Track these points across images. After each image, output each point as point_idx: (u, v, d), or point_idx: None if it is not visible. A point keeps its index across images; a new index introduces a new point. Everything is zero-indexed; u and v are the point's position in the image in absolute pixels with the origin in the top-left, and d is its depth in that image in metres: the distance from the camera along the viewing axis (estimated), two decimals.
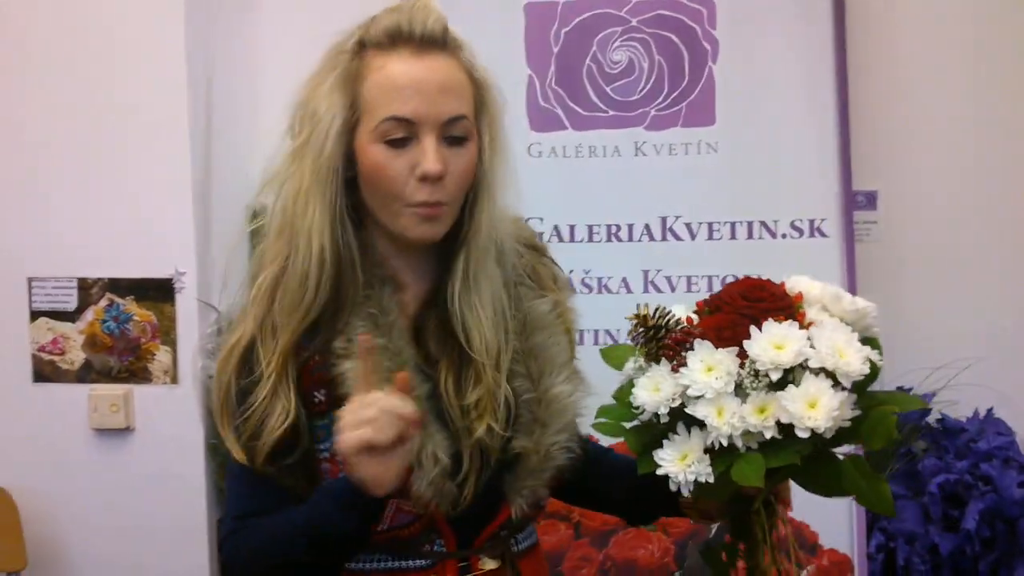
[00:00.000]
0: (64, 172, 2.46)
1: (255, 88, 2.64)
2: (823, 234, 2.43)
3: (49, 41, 2.44)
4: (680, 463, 1.10)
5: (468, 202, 1.25)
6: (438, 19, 1.21)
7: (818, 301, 1.16)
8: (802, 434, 1.06)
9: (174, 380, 2.47)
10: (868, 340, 1.14)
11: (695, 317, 1.18)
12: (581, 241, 2.46)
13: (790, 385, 1.08)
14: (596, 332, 2.38)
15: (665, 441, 1.12)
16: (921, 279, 2.67)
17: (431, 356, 1.25)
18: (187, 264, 2.45)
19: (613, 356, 1.24)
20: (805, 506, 2.33)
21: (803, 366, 1.09)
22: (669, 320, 1.15)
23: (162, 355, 2.47)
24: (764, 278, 1.18)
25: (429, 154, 1.18)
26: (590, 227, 2.46)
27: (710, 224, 2.44)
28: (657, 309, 1.16)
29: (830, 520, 2.34)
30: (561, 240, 2.44)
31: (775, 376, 1.08)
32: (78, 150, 2.45)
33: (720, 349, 1.10)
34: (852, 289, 2.40)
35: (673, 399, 1.10)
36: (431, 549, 1.24)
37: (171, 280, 2.46)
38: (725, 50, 2.45)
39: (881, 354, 1.14)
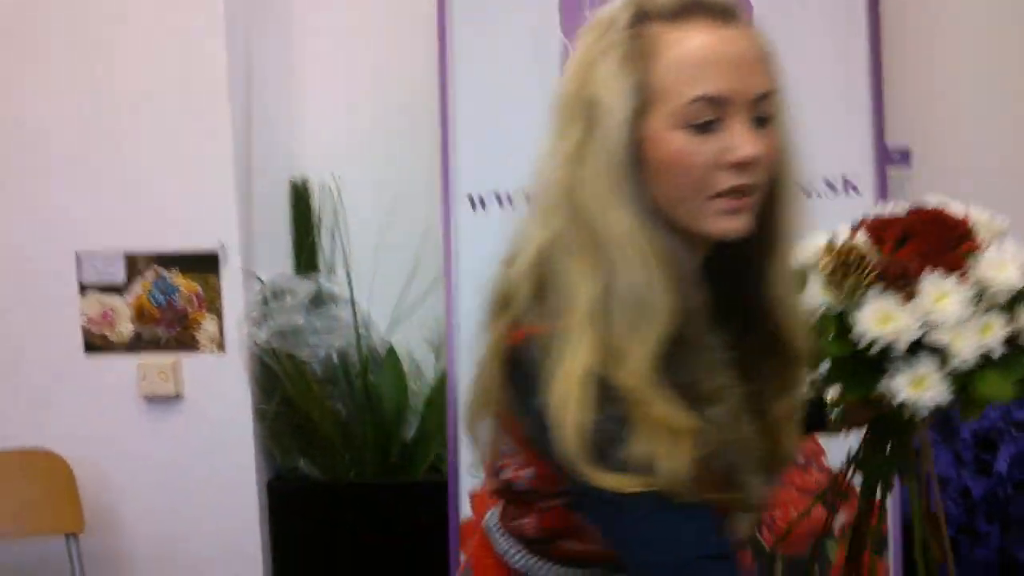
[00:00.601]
0: (111, 149, 2.51)
1: (292, 61, 2.69)
2: (856, 190, 2.43)
3: (93, 20, 2.49)
4: (916, 389, 1.16)
5: (771, 192, 1.08)
6: None
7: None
8: None
9: (220, 348, 2.54)
10: None
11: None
12: None
13: None
14: None
15: (893, 370, 1.19)
16: None
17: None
18: (230, 236, 2.51)
19: None
20: (838, 456, 2.36)
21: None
22: (863, 256, 1.20)
23: (208, 324, 2.54)
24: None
25: (745, 137, 1.02)
26: None
27: None
28: (846, 244, 1.21)
29: None
30: None
31: (1004, 299, 1.16)
32: (124, 128, 2.51)
33: (946, 278, 1.17)
34: None
35: (913, 328, 1.16)
36: None
37: (215, 252, 2.52)
38: (759, 8, 2.45)
39: None
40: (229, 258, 2.51)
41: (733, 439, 1.04)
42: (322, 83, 2.71)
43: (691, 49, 1.02)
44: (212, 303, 2.53)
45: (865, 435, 1.35)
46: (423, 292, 2.67)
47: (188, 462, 2.55)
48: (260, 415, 2.54)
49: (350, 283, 2.65)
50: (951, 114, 2.67)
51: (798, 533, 2.34)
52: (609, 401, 1.01)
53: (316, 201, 2.70)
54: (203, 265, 2.52)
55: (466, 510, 2.42)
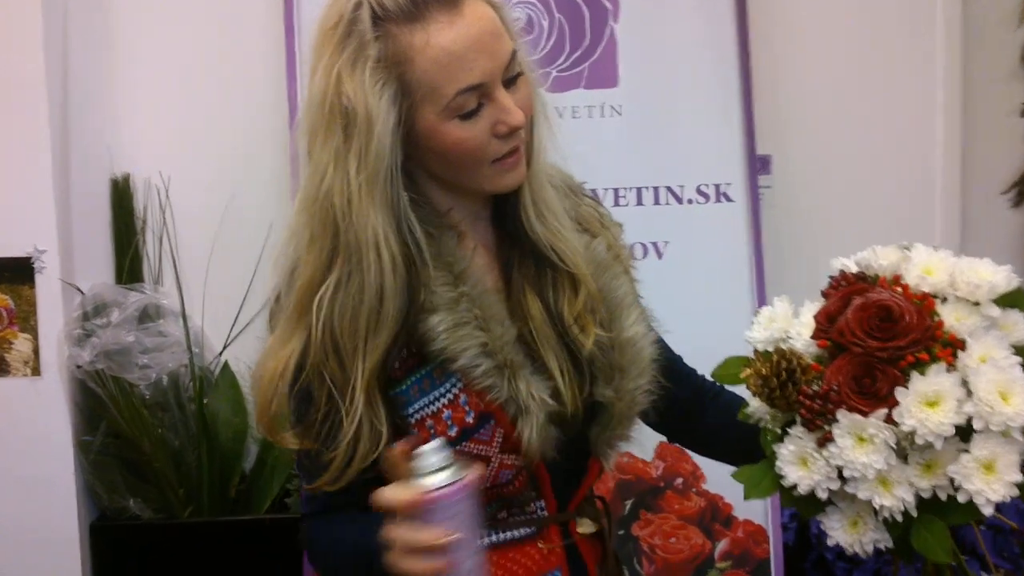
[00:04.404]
0: None
1: (114, 41, 2.42)
2: (729, 199, 2.37)
3: None
4: (852, 531, 1.00)
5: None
6: None
7: (945, 285, 1.03)
8: (987, 510, 0.94)
9: (36, 371, 2.23)
10: (1010, 297, 1.02)
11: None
12: None
13: (963, 455, 0.95)
14: None
15: (828, 507, 1.00)
16: (815, 240, 2.64)
17: (515, 296, 1.20)
18: (47, 242, 2.21)
19: (724, 376, 1.13)
20: (718, 479, 2.29)
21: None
22: (795, 372, 1.01)
23: (21, 343, 2.22)
24: (884, 294, 1.01)
25: (509, 107, 1.09)
26: None
27: (616, 190, 2.35)
28: (780, 355, 1.02)
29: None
30: None
31: (939, 445, 0.94)
32: None
33: (869, 416, 0.96)
34: (758, 254, 2.36)
35: (829, 479, 0.98)
36: (535, 513, 1.20)
37: (30, 259, 2.21)
38: (626, 9, 2.35)
39: None
40: (46, 267, 2.20)
41: (480, 342, 1.11)
42: (149, 69, 2.44)
43: (442, 47, 1.06)
44: (26, 319, 2.22)
45: None
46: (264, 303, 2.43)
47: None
48: (83, 447, 2.25)
49: (181, 294, 2.40)
50: (806, 123, 2.65)
51: (679, 561, 2.26)
52: (307, 393, 1.11)
53: (140, 201, 2.42)
54: (15, 275, 2.21)
55: None
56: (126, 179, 2.41)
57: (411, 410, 1.13)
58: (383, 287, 1.08)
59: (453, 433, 1.13)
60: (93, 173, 2.38)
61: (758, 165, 2.56)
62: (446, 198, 1.18)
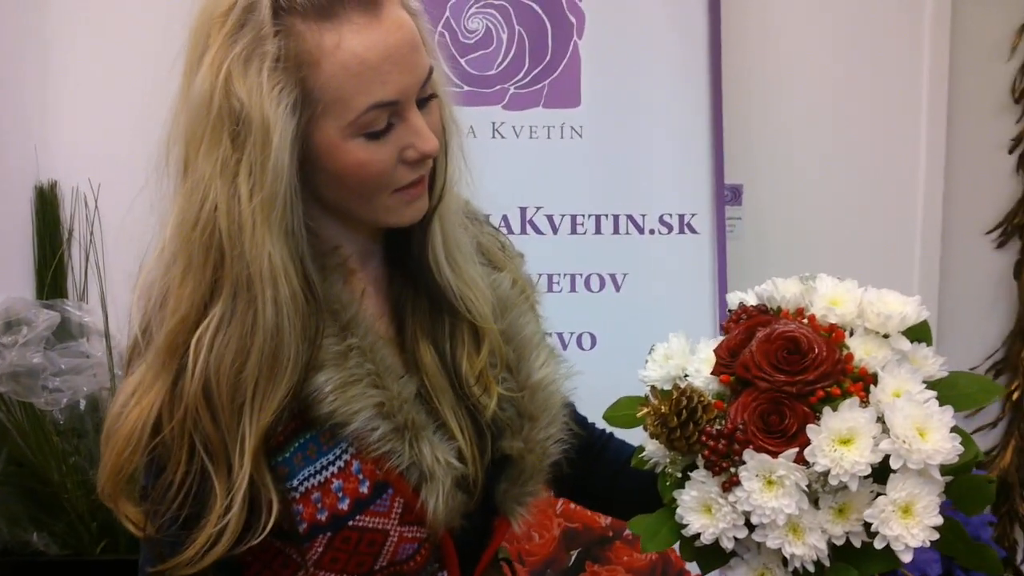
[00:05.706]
0: None
1: (43, 56, 2.27)
2: (693, 230, 2.23)
3: None
4: None
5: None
6: None
7: (853, 317, 0.98)
8: (905, 557, 0.88)
9: None
10: (916, 331, 0.99)
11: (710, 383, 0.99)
12: None
13: (879, 497, 0.89)
14: None
15: (733, 559, 0.94)
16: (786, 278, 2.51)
17: (409, 345, 1.07)
18: None
19: (617, 418, 1.08)
20: None
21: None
22: (696, 410, 0.94)
23: None
24: (792, 326, 0.96)
25: (422, 132, 0.98)
26: None
27: (573, 217, 2.19)
28: (679, 392, 0.95)
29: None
30: None
31: (854, 486, 0.89)
32: None
33: (778, 457, 0.90)
34: (722, 291, 2.21)
35: (735, 527, 0.92)
36: None
37: None
38: (592, 24, 2.20)
39: (931, 342, 0.99)
40: None
41: (375, 402, 0.98)
42: (82, 73, 2.29)
43: (355, 54, 0.93)
44: None
45: None
46: None
47: None
48: None
49: (105, 312, 2.23)
50: (781, 152, 2.51)
51: None
52: (159, 466, 0.97)
53: (67, 211, 2.28)
54: None
55: None
56: (52, 186, 2.27)
57: (295, 482, 0.99)
58: (280, 328, 0.94)
59: (344, 507, 0.99)
60: (15, 179, 2.24)
61: (728, 195, 2.43)
62: (335, 231, 1.04)
